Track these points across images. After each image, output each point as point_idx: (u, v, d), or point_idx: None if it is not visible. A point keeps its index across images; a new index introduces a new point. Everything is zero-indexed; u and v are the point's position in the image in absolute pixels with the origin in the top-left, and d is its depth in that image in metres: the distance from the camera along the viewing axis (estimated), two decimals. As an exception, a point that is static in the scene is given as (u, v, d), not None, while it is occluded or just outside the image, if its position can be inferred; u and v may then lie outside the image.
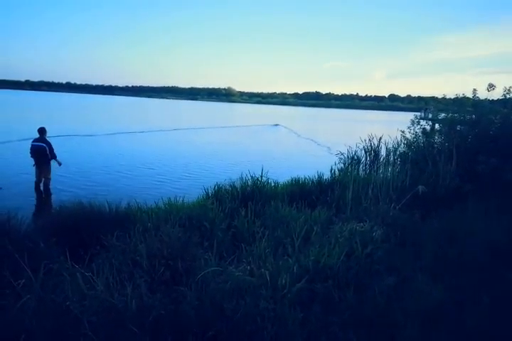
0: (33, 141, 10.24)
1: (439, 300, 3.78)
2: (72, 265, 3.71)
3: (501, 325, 3.41)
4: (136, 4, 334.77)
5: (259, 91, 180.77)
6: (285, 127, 39.01)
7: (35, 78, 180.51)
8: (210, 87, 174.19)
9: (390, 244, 5.04)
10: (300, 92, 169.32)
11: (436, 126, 11.29)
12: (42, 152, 10.06)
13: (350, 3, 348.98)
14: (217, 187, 7.80)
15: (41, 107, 51.79)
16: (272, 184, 8.23)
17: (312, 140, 28.18)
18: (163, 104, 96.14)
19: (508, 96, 9.61)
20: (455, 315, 3.60)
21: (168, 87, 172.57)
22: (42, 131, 10.33)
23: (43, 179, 10.23)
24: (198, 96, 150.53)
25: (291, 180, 8.79)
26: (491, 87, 9.38)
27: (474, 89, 9.84)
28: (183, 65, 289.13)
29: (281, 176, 9.68)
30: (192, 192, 8.78)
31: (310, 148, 24.16)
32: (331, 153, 14.29)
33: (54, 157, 10.27)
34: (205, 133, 30.05)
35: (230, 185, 7.79)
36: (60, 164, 10.40)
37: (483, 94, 9.84)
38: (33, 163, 10.23)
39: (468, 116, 9.73)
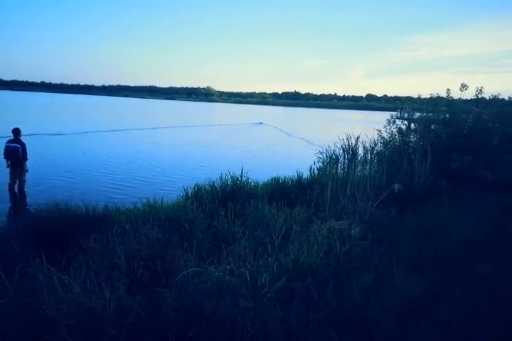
0: (7, 142, 9.97)
1: (415, 294, 3.88)
2: (48, 268, 3.63)
3: (474, 316, 3.52)
4: (112, 3, 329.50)
5: (239, 90, 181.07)
6: (269, 125, 40.37)
7: (7, 77, 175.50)
8: (189, 86, 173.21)
9: (367, 241, 5.12)
10: (279, 92, 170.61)
11: (412, 125, 11.55)
12: (16, 153, 9.81)
13: (326, 2, 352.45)
14: (197, 188, 7.77)
15: (12, 106, 50.41)
16: (252, 183, 8.25)
17: (289, 134, 29.40)
18: (141, 103, 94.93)
19: (479, 95, 9.92)
20: (431, 308, 3.70)
21: (146, 86, 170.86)
22: (16, 131, 10.07)
23: (18, 181, 9.98)
24: (177, 96, 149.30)
25: (271, 180, 8.84)
26: (464, 87, 9.65)
27: (448, 89, 10.11)
28: (162, 64, 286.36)
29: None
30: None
31: (288, 140, 24.93)
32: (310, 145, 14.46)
33: (25, 159, 9.99)
34: (190, 132, 30.07)
35: (210, 185, 7.77)
36: (26, 170, 10.12)
37: (456, 94, 10.12)
38: (7, 164, 9.96)
39: (442, 116, 10.00)
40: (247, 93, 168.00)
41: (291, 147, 24.00)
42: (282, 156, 19.34)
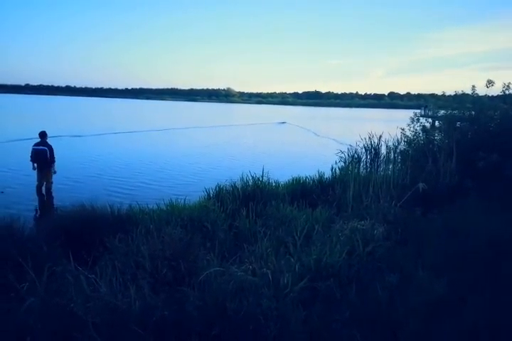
0: (34, 145, 10.27)
1: (440, 296, 3.80)
2: (75, 267, 3.73)
3: (502, 319, 3.42)
4: (134, 6, 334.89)
5: (259, 91, 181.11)
6: (293, 124, 41.02)
7: (34, 82, 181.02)
8: (210, 87, 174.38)
9: (391, 242, 5.05)
10: (300, 91, 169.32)
11: (436, 123, 11.30)
12: (43, 156, 10.09)
13: (348, 1, 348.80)
14: (219, 188, 7.83)
15: (38, 110, 52.04)
16: (273, 184, 8.25)
17: (316, 134, 30.41)
18: (165, 105, 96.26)
19: (507, 92, 9.63)
20: (457, 311, 3.61)
21: (168, 88, 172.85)
22: (43, 134, 10.36)
23: (45, 183, 10.26)
24: (198, 97, 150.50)
25: (292, 180, 8.82)
26: (490, 83, 9.39)
27: (473, 86, 9.85)
28: (183, 66, 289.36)
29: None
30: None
31: (317, 140, 25.82)
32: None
33: (53, 161, 10.27)
34: (217, 132, 30.58)
35: (231, 186, 7.81)
36: (54, 172, 10.38)
37: (482, 91, 9.85)
38: (33, 166, 10.25)
39: (467, 113, 9.74)
40: (268, 93, 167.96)
41: (324, 147, 23.40)
42: (321, 156, 18.48)
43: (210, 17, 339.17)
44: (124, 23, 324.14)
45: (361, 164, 11.79)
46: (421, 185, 6.83)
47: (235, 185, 7.82)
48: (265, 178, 8.05)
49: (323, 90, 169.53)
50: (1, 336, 2.98)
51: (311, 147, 23.56)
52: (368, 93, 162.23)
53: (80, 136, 23.19)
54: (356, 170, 10.00)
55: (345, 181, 8.10)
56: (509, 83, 9.53)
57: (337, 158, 11.76)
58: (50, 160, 10.20)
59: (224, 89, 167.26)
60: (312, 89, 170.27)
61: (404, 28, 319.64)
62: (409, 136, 10.81)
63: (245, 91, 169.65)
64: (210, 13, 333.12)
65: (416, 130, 10.67)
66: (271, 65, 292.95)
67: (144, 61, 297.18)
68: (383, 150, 12.14)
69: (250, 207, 6.28)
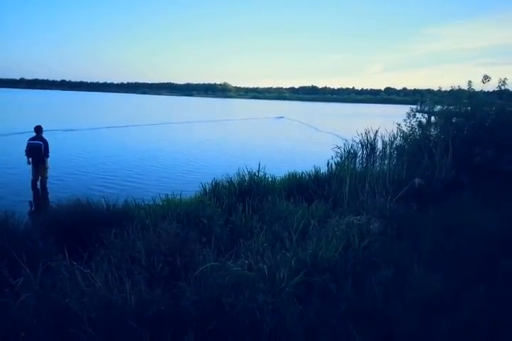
0: (29, 140, 10.16)
1: (436, 291, 3.81)
2: (70, 262, 3.70)
3: (499, 315, 3.44)
4: (134, 4, 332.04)
5: (255, 86, 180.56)
6: (291, 119, 40.97)
7: (29, 76, 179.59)
8: (206, 82, 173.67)
9: (387, 237, 5.06)
10: (296, 86, 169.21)
11: (432, 118, 11.32)
12: (38, 150, 10.00)
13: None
14: (215, 183, 7.80)
15: (33, 104, 51.65)
16: (269, 179, 8.23)
17: (317, 129, 30.38)
18: (163, 100, 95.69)
19: (503, 87, 9.65)
20: (453, 306, 3.63)
21: (164, 83, 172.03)
22: (38, 129, 10.26)
23: (40, 177, 10.18)
24: (194, 92, 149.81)
25: (288, 175, 8.81)
26: (486, 78, 9.41)
27: (469, 81, 9.87)
28: (179, 61, 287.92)
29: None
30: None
31: (319, 135, 26.29)
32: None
33: (46, 156, 10.16)
34: (217, 127, 30.47)
35: (228, 181, 7.79)
36: (47, 167, 10.24)
37: (478, 86, 9.88)
38: (28, 161, 10.16)
39: (463, 108, 9.76)
40: (264, 88, 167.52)
41: (329, 142, 23.40)
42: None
43: (208, 13, 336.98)
44: (123, 20, 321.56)
45: (357, 159, 11.82)
46: (417, 181, 6.85)
47: (231, 180, 7.80)
48: (261, 173, 8.03)
49: (320, 85, 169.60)
50: (-4, 331, 2.97)
51: (314, 142, 23.41)
52: (365, 88, 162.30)
53: (73, 130, 23.01)
54: (352, 166, 10.02)
55: (341, 176, 8.11)
56: (505, 79, 9.58)
57: (333, 153, 11.76)
58: (44, 154, 10.10)
59: (220, 84, 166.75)
60: (309, 85, 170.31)
61: (402, 24, 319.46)
62: (406, 131, 10.83)
63: (242, 86, 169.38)
64: (208, 9, 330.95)
65: (412, 125, 10.68)
66: (268, 60, 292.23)
67: (141, 56, 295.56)
68: (379, 145, 12.16)
69: (246, 202, 6.27)
